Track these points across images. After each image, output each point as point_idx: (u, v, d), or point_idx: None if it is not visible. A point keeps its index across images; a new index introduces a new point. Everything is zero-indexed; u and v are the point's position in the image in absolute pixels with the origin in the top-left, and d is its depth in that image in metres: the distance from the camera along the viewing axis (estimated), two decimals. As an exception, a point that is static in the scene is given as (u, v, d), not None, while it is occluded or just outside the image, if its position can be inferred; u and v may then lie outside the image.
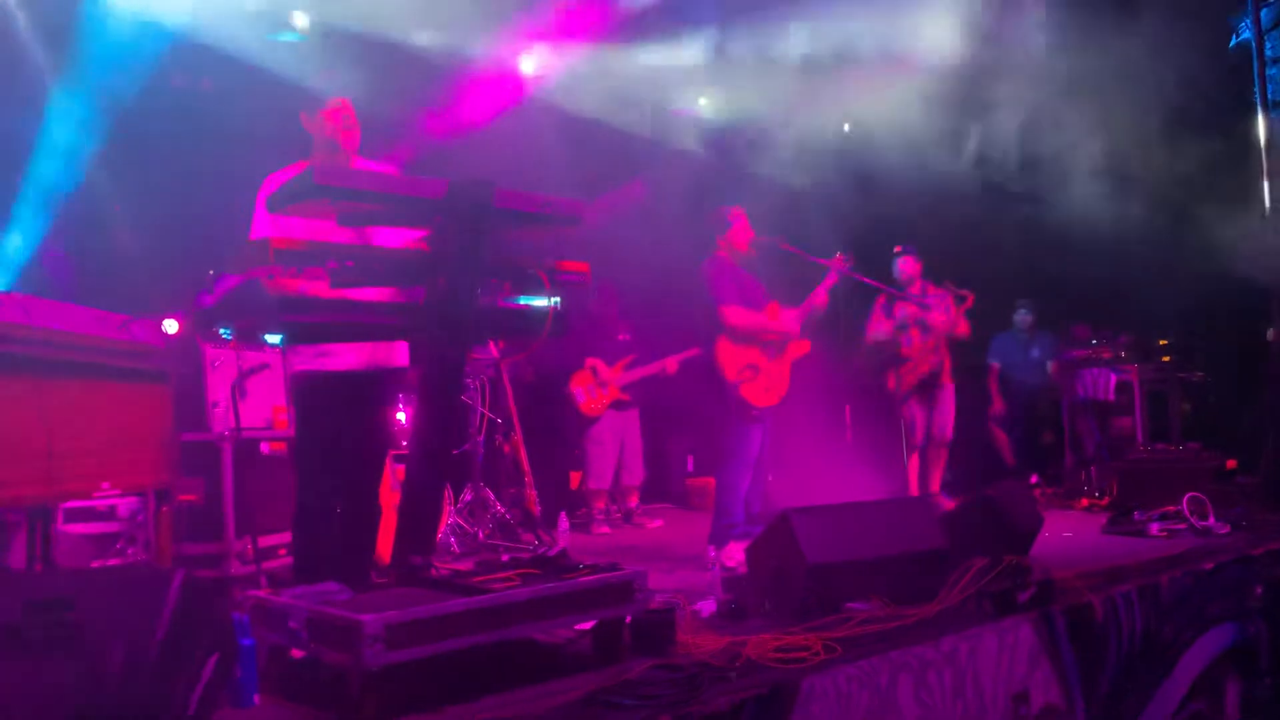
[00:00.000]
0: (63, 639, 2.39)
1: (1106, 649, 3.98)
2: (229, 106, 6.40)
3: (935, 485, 6.98)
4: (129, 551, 5.12)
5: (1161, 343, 8.17)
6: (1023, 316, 8.72)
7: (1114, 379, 8.04)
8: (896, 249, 7.16)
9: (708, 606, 3.88)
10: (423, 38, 7.43)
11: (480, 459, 6.62)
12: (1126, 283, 8.29)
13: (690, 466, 8.71)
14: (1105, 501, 6.98)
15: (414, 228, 3.56)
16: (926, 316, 6.96)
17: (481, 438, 6.67)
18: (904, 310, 7.01)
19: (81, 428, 3.52)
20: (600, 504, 7.29)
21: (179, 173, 6.01)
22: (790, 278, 5.83)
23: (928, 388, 7.00)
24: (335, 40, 7.10)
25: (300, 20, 6.99)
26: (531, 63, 8.23)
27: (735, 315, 5.30)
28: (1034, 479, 8.02)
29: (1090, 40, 7.66)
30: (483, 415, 6.69)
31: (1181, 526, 5.64)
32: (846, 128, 10.19)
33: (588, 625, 3.31)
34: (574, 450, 7.63)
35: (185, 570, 2.62)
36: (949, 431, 7.04)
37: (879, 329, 7.06)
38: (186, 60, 6.49)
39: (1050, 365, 8.55)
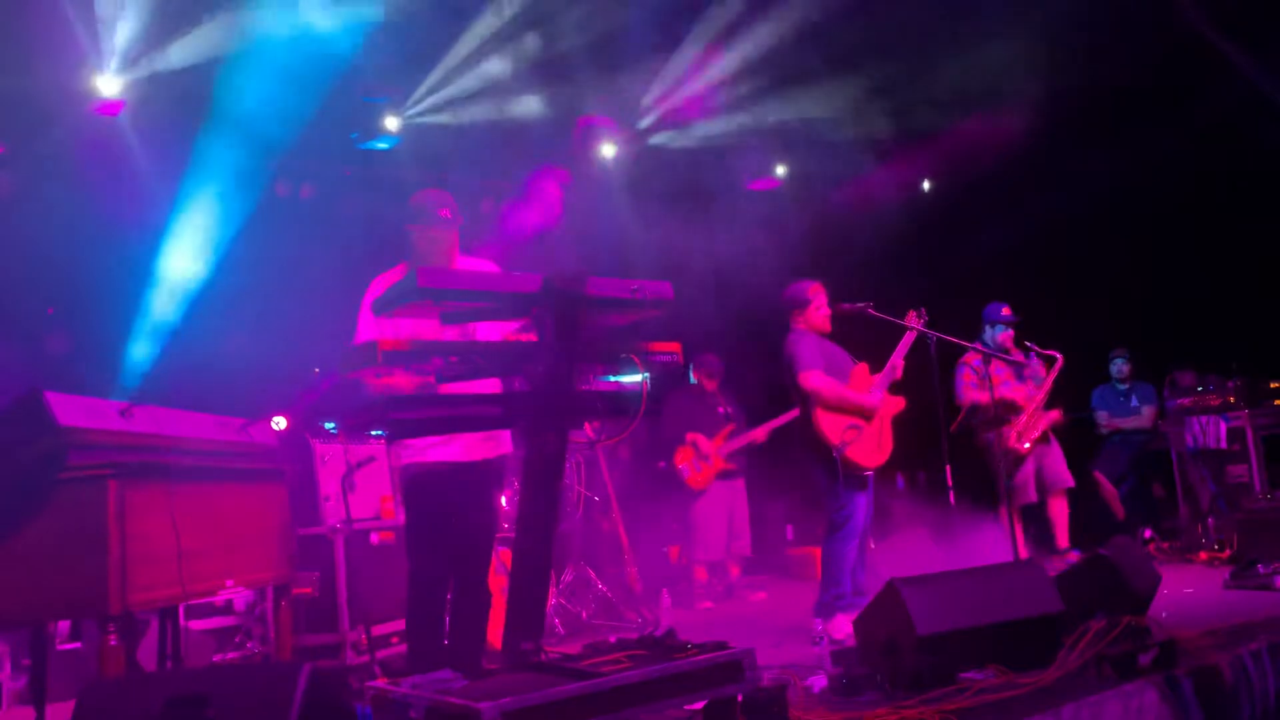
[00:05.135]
0: (202, 736, 2.49)
1: (1239, 712, 3.81)
2: (327, 211, 6.72)
3: (1064, 540, 6.71)
4: (247, 645, 5.30)
5: (1273, 385, 7.88)
6: (1120, 366, 8.50)
7: (1224, 425, 7.74)
8: (1015, 318, 6.88)
9: (818, 681, 3.84)
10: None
11: (580, 538, 6.67)
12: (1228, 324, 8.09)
13: (790, 536, 8.63)
14: (1226, 554, 6.71)
15: (512, 320, 3.68)
16: (1026, 375, 6.80)
17: (580, 516, 6.74)
18: (1001, 370, 6.79)
19: (207, 528, 3.69)
20: (702, 578, 7.27)
21: (283, 275, 6.30)
22: (876, 339, 5.74)
23: (1037, 444, 6.80)
24: (428, 137, 7.41)
25: (391, 123, 7.33)
26: (610, 148, 8.50)
27: (814, 380, 5.20)
28: (1147, 533, 7.74)
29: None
30: (580, 494, 6.77)
31: (1311, 578, 5.40)
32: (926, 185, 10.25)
33: (698, 705, 3.31)
34: (673, 525, 7.64)
35: (312, 663, 2.72)
36: (1067, 476, 6.79)
37: (976, 395, 6.71)
38: (286, 170, 6.85)
39: (1146, 411, 8.32)
